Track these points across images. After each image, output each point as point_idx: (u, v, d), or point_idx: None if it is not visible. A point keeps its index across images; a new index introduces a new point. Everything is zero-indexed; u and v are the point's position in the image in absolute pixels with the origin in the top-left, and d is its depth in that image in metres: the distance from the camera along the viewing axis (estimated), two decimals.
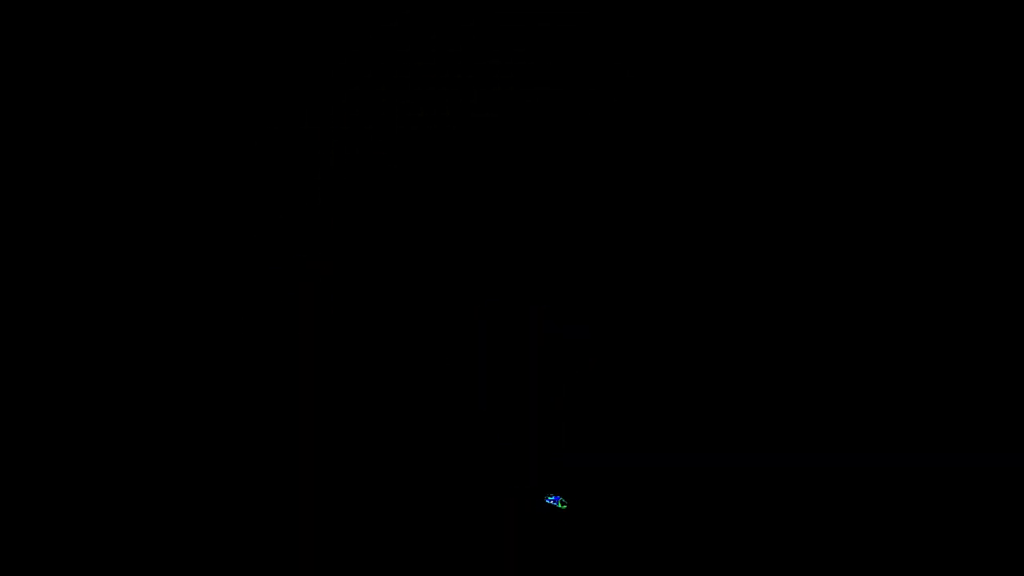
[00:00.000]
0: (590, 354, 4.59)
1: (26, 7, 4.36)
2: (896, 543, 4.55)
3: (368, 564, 4.51)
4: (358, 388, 4.58)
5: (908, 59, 4.69)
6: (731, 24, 4.70)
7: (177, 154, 4.47)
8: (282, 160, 4.52)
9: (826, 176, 4.71)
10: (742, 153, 4.74)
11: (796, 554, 4.55)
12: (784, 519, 4.57)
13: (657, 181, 4.74)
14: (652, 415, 4.61)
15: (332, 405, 4.55)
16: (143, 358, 4.43)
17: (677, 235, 4.70)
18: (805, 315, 4.66)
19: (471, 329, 4.75)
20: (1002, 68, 4.48)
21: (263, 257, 4.50)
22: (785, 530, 4.56)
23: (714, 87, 4.72)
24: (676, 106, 4.73)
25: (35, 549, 4.31)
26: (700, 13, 4.69)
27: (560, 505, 4.47)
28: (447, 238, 4.65)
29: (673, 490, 4.57)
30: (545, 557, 4.51)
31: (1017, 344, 4.58)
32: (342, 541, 4.51)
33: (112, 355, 4.41)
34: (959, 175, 4.59)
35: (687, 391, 4.61)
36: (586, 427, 4.63)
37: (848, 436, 4.64)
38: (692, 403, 4.62)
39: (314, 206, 4.54)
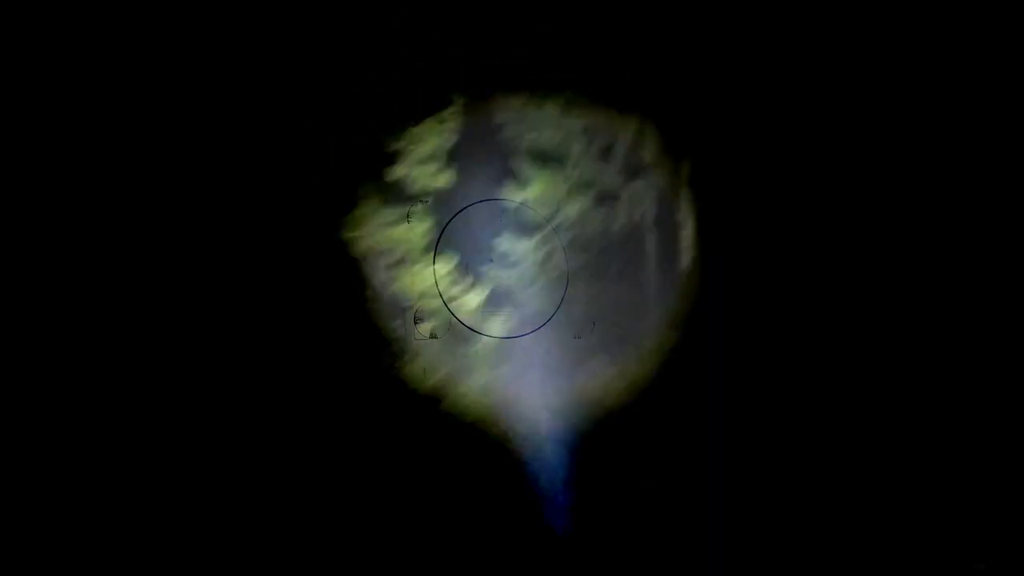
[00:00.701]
0: None
1: (26, 7, 4.36)
2: None
3: (367, 564, 4.50)
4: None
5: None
6: (730, 25, 4.71)
7: (177, 154, 4.47)
8: (282, 160, 4.52)
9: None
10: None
11: None
12: None
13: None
14: None
15: (332, 405, 4.55)
16: (143, 358, 4.42)
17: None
18: None
19: None
20: None
21: (263, 257, 4.50)
22: None
23: (714, 87, 4.72)
24: (677, 105, 4.73)
25: (34, 549, 4.31)
26: (699, 14, 4.69)
27: None
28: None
29: None
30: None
31: None
32: (342, 541, 4.50)
33: (112, 355, 4.40)
34: None
35: None
36: None
37: None
38: None
39: (314, 206, 4.53)
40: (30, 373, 4.33)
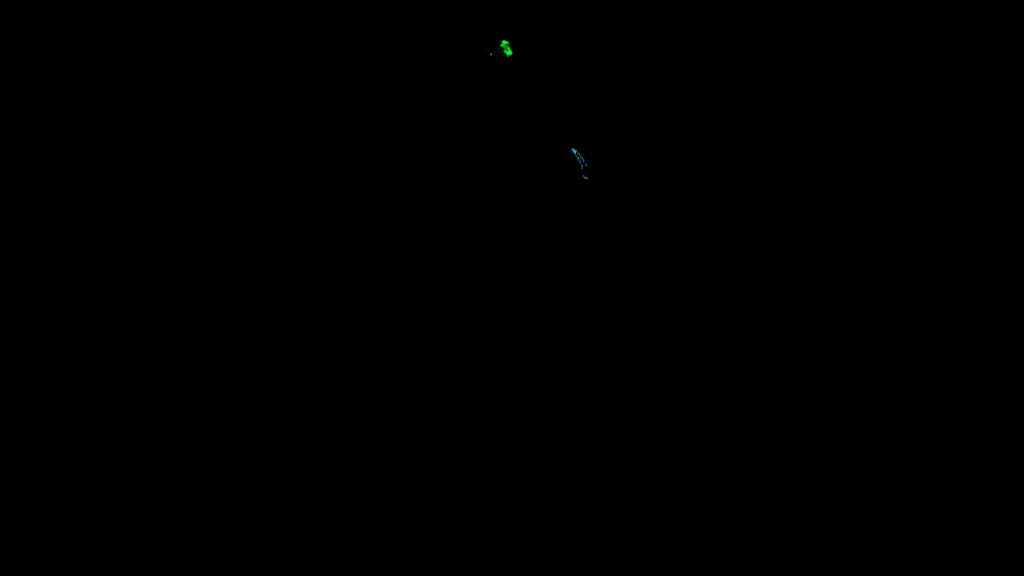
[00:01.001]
0: None
1: (26, 6, 4.35)
2: None
3: (368, 564, 4.52)
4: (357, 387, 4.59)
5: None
6: (732, 24, 4.71)
7: (177, 154, 4.47)
8: (282, 160, 4.52)
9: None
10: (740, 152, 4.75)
11: None
12: None
13: (654, 181, 4.75)
14: None
15: (332, 405, 4.56)
16: (143, 358, 4.43)
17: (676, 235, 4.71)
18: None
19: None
20: None
21: (263, 257, 4.50)
22: None
23: (716, 88, 4.73)
24: (677, 106, 4.73)
25: (34, 549, 4.32)
26: (701, 14, 4.70)
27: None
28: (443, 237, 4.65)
29: None
30: None
31: None
32: (342, 541, 4.52)
33: (112, 355, 4.41)
34: None
35: None
36: None
37: None
38: None
39: (314, 206, 4.54)
40: (28, 372, 4.34)
